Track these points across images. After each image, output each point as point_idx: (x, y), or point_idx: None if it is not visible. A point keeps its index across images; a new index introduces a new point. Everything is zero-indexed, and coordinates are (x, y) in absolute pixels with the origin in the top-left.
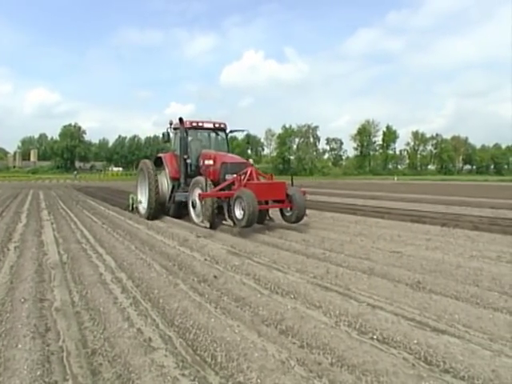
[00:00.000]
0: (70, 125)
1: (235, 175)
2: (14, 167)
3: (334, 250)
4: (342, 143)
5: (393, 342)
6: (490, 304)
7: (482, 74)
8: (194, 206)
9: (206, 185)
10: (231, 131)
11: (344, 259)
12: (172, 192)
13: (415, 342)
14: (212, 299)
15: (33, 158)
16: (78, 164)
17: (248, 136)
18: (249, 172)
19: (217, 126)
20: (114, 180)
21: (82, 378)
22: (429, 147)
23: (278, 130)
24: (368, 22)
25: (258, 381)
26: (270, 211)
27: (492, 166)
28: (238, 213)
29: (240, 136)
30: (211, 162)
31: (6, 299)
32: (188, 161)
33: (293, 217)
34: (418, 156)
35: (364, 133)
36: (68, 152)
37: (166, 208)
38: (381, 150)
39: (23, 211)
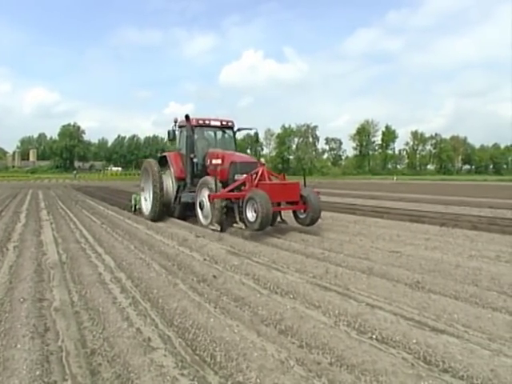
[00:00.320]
0: (69, 124)
1: (245, 175)
2: (13, 167)
3: (334, 249)
4: (341, 143)
5: (392, 342)
6: (489, 304)
7: (481, 74)
8: (201, 208)
9: (216, 185)
10: (239, 129)
11: (343, 259)
12: (177, 192)
13: (414, 341)
14: (211, 299)
15: (32, 157)
16: (77, 164)
17: (256, 134)
18: (260, 172)
19: (224, 123)
20: (113, 180)
21: (82, 377)
22: (428, 147)
23: (278, 130)
24: (367, 22)
25: (258, 380)
26: (283, 213)
27: (491, 166)
28: (250, 215)
29: (239, 136)
30: (219, 161)
31: (5, 299)
32: (195, 160)
33: (307, 219)
34: (417, 156)
35: (363, 133)
36: (67, 152)
37: (171, 209)
38: (380, 150)
39: (22, 211)
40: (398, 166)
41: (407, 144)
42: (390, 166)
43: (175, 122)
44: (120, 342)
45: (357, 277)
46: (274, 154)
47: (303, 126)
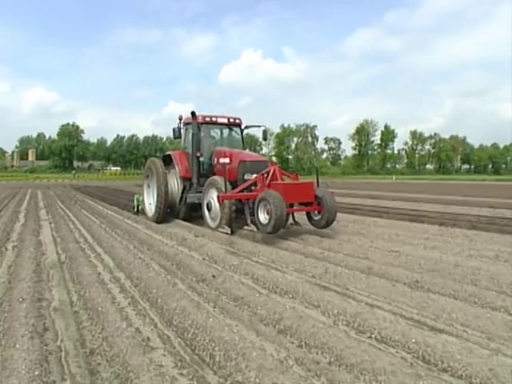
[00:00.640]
0: (68, 124)
1: (255, 175)
2: (12, 167)
3: (333, 249)
4: (340, 143)
5: (391, 341)
6: (488, 303)
7: (480, 74)
8: (209, 209)
9: (225, 185)
10: (246, 127)
11: (342, 258)
12: (183, 193)
13: (413, 341)
14: (210, 299)
15: (31, 157)
16: (76, 163)
17: (265, 132)
18: (272, 171)
19: (231, 121)
20: (112, 179)
21: (81, 377)
22: (427, 147)
23: (277, 130)
24: (366, 22)
25: (257, 380)
26: (296, 214)
27: (490, 166)
28: (263, 217)
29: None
30: (227, 160)
31: (4, 299)
32: (201, 159)
33: (322, 221)
34: (416, 155)
35: (362, 132)
36: (66, 151)
37: (176, 210)
38: (379, 150)
39: (21, 211)
40: (397, 166)
41: (406, 144)
42: (389, 165)
43: (180, 119)
44: (119, 341)
45: (356, 276)
46: (273, 153)
47: (302, 126)
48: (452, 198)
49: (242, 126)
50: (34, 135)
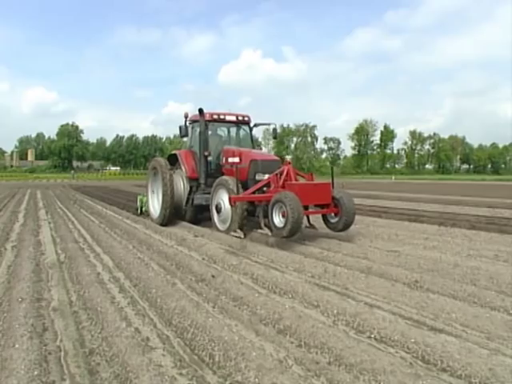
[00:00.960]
0: (67, 124)
1: (267, 175)
2: (12, 167)
3: (332, 249)
4: (339, 142)
5: (390, 341)
6: (487, 303)
7: (479, 74)
8: (218, 211)
9: (237, 186)
10: (255, 125)
11: (342, 258)
12: (189, 194)
13: (413, 340)
14: (210, 298)
15: (30, 157)
16: (75, 163)
17: (274, 130)
18: (286, 171)
19: (240, 118)
20: (111, 179)
21: (80, 377)
22: (426, 146)
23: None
24: (366, 22)
25: (256, 380)
26: (311, 217)
27: (489, 166)
28: (278, 220)
29: None
30: (236, 159)
31: (4, 299)
32: (209, 158)
33: (340, 224)
34: (416, 155)
35: (362, 132)
36: (65, 151)
37: (182, 212)
38: (378, 150)
39: (20, 211)
40: (397, 166)
41: (406, 143)
42: (388, 165)
43: (185, 117)
44: (118, 341)
45: (355, 276)
46: (272, 153)
47: (302, 126)
48: (451, 197)
49: (251, 124)
50: (34, 135)
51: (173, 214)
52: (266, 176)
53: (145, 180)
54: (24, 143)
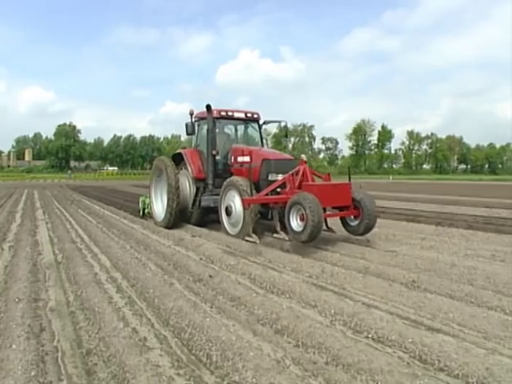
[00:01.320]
0: (64, 124)
1: (281, 175)
2: (9, 167)
3: (329, 249)
4: (337, 142)
5: (388, 341)
6: (485, 303)
7: (477, 74)
8: (228, 214)
9: (251, 188)
10: (265, 122)
11: (339, 258)
12: (196, 195)
13: (410, 340)
14: (207, 299)
15: (27, 157)
16: (72, 163)
17: (285, 127)
18: (302, 171)
19: (249, 115)
20: (109, 180)
21: (77, 377)
22: (424, 146)
23: (274, 129)
24: (364, 22)
25: (254, 380)
26: (329, 220)
27: (486, 166)
28: (296, 224)
29: None
30: (247, 158)
31: (0, 299)
32: (217, 157)
33: (361, 227)
34: (413, 155)
35: (359, 132)
36: (63, 151)
37: (188, 214)
38: (376, 150)
39: (18, 211)
40: (394, 166)
41: (403, 143)
42: (386, 165)
43: (191, 114)
44: (116, 341)
45: (353, 276)
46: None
47: (299, 126)
48: (449, 197)
49: (261, 122)
50: (31, 135)
51: (178, 217)
52: (280, 176)
53: (142, 180)
54: (21, 143)
